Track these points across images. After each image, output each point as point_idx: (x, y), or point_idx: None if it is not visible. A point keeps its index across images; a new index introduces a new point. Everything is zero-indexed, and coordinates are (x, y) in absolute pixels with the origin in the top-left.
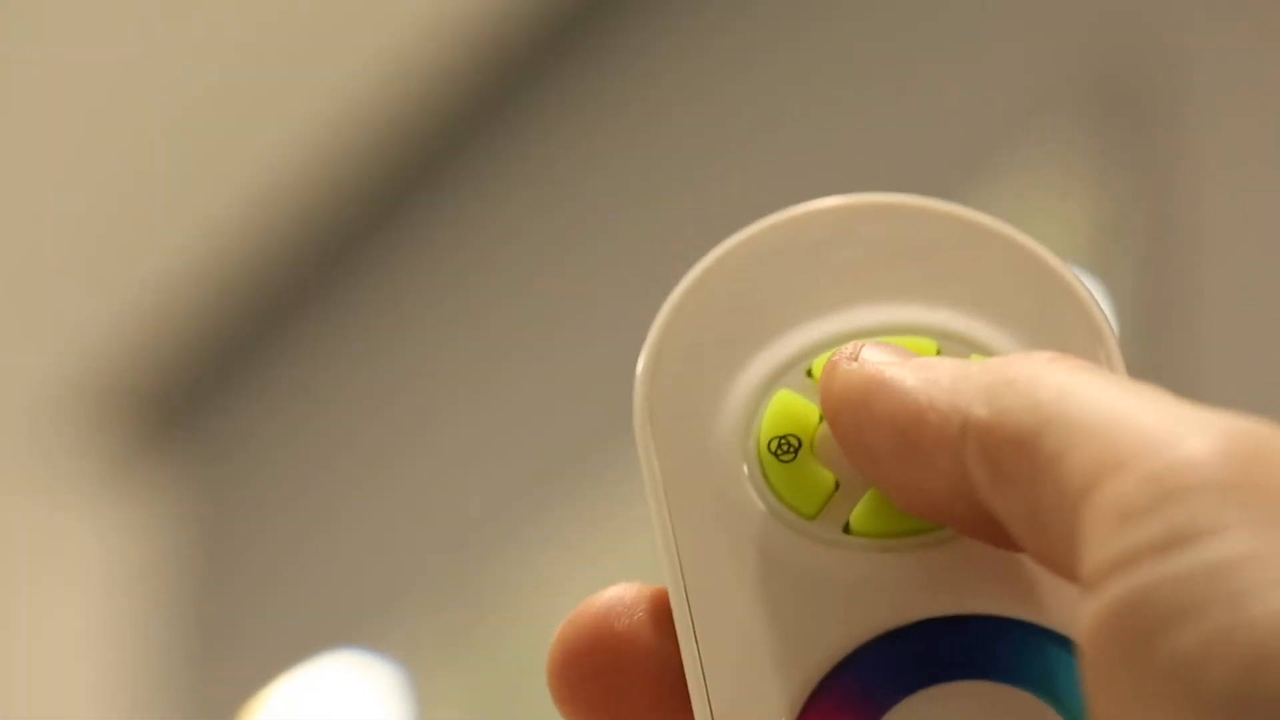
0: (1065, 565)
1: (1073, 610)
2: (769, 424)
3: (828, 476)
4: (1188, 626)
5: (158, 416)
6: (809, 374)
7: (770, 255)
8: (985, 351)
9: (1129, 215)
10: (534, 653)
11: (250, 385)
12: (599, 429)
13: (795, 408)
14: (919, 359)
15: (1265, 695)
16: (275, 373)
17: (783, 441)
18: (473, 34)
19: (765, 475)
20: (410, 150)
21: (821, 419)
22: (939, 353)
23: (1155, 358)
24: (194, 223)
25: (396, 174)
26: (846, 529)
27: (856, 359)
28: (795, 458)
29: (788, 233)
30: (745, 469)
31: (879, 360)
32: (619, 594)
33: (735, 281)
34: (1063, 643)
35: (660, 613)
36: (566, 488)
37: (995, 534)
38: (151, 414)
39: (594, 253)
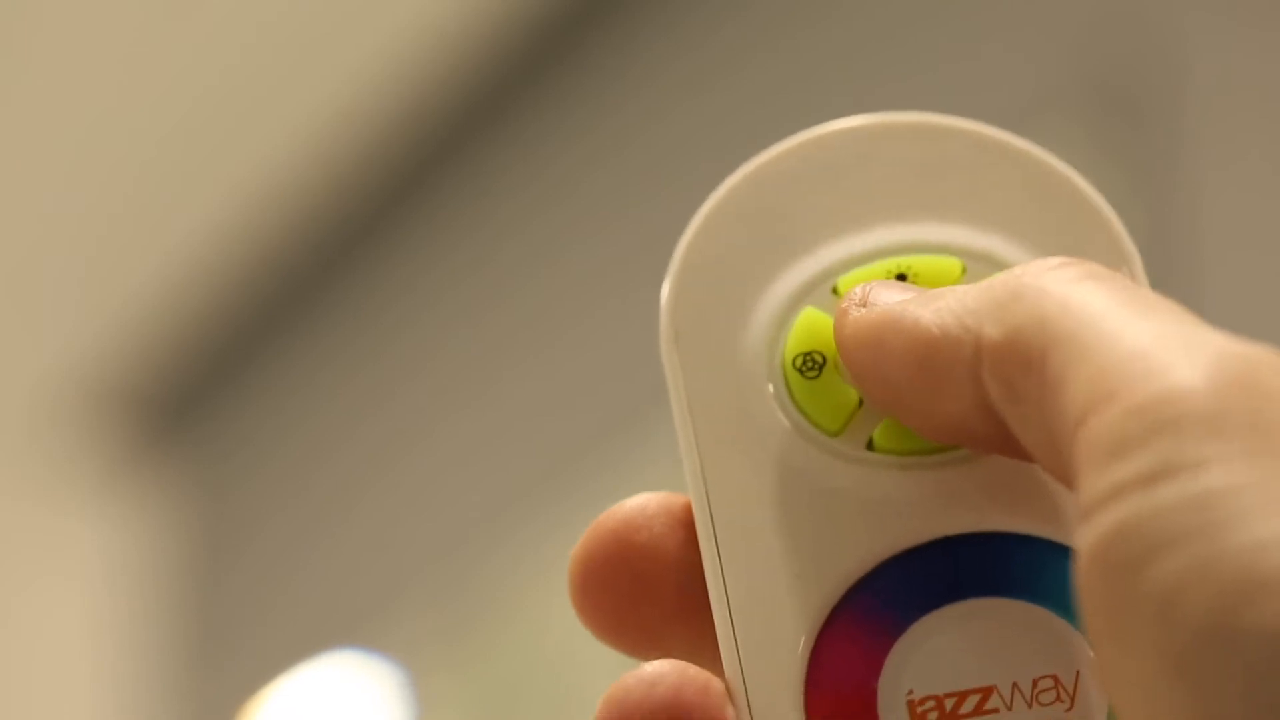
0: (1073, 485)
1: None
2: (794, 341)
3: (851, 393)
4: (1168, 558)
5: (158, 416)
6: (834, 292)
7: (795, 175)
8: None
9: (1128, 215)
10: (534, 652)
11: (250, 385)
12: (597, 427)
13: (820, 325)
14: (926, 292)
15: (1241, 625)
16: (275, 373)
17: (807, 358)
18: (471, 33)
19: (790, 392)
20: (407, 149)
21: None
22: (964, 270)
23: None
24: (194, 223)
25: (395, 173)
26: (870, 445)
27: (865, 304)
28: (820, 374)
29: (812, 152)
30: (770, 386)
31: (888, 300)
32: (640, 505)
33: (760, 201)
34: None
35: (681, 524)
36: (566, 487)
37: (1016, 448)
38: (151, 414)
39: (592, 251)
